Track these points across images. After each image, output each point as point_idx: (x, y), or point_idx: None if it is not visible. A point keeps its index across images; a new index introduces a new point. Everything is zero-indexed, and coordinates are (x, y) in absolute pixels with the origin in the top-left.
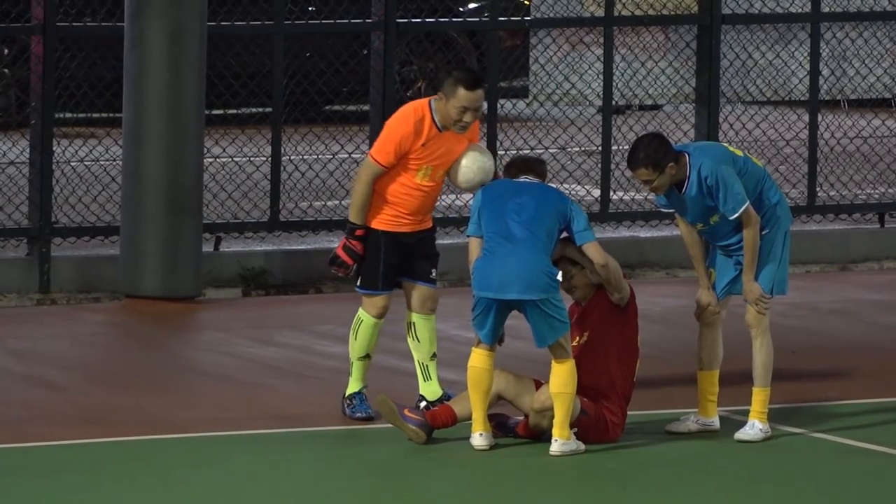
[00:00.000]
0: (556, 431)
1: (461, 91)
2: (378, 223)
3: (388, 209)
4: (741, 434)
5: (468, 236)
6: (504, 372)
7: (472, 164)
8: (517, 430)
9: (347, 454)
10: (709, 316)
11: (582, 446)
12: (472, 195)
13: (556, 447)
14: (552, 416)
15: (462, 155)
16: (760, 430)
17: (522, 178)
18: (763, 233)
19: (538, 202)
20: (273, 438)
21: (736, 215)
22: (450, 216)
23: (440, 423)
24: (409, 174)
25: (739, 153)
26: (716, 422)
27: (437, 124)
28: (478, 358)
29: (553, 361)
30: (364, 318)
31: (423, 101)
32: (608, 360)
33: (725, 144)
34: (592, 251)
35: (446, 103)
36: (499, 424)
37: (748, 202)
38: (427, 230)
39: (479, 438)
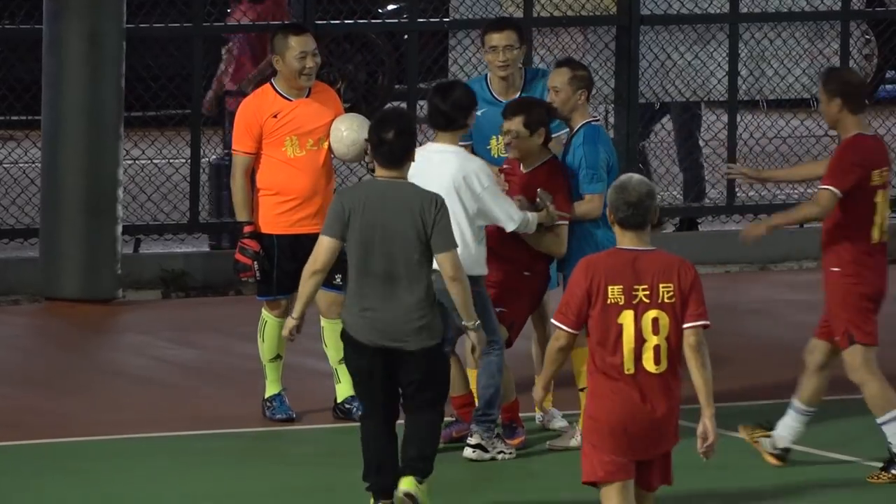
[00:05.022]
0: None
1: (292, 39)
2: (271, 227)
3: (277, 204)
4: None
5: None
6: None
7: (352, 122)
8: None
9: (268, 455)
10: None
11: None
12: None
13: None
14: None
15: (335, 122)
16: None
17: None
18: None
19: None
20: (194, 440)
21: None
22: None
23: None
24: (277, 150)
25: None
26: None
27: (283, 95)
28: None
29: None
30: (267, 318)
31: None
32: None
33: None
34: None
35: (284, 60)
36: None
37: None
38: None
39: None
